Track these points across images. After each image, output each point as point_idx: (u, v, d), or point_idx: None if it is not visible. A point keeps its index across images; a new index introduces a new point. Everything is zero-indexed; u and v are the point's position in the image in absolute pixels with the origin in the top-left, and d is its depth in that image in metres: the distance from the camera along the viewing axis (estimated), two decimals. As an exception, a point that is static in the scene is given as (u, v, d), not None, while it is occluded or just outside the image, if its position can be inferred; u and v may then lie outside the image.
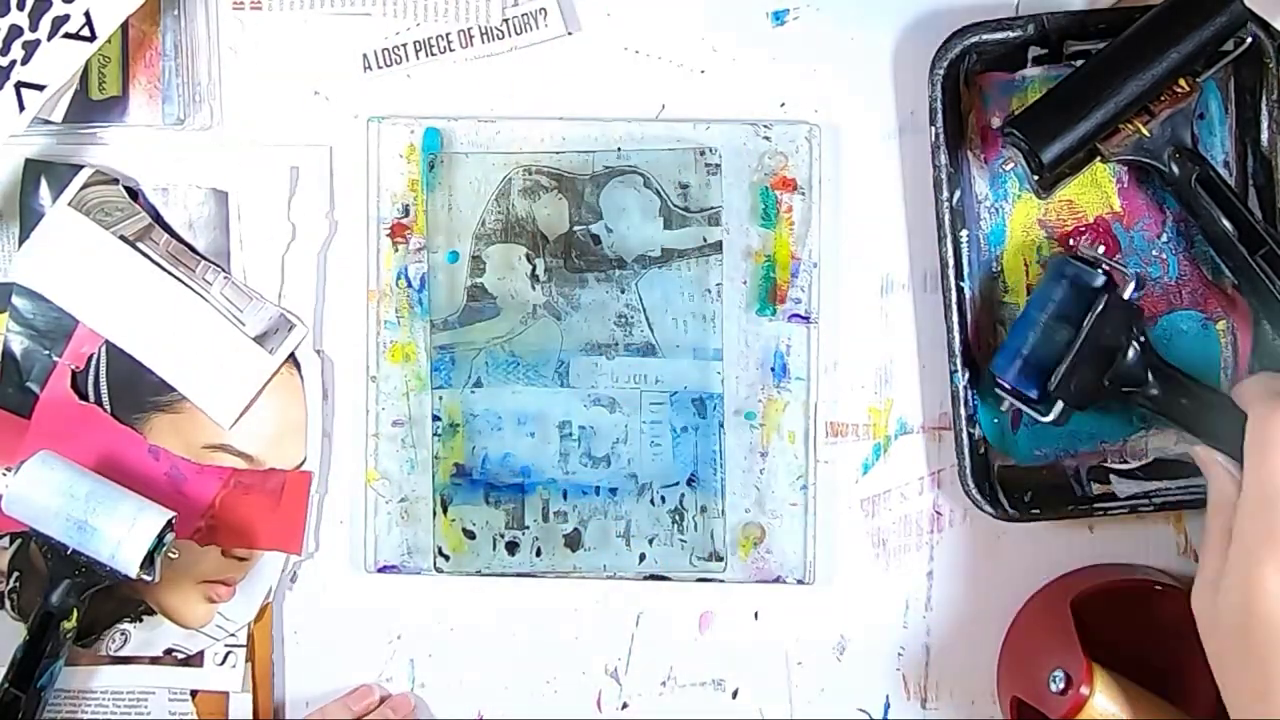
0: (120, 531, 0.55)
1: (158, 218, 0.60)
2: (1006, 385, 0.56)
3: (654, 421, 0.60)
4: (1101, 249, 0.58)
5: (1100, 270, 0.54)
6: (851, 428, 0.61)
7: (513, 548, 0.60)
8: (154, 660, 0.61)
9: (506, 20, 0.59)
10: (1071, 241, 0.59)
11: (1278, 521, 0.45)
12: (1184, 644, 0.60)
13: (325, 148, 0.60)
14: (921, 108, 0.58)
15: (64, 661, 0.59)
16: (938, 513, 0.61)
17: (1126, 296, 0.54)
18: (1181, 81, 0.54)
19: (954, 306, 0.58)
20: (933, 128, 0.57)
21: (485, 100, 0.60)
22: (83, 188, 0.59)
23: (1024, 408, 0.56)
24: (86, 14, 0.55)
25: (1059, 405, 0.54)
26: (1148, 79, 0.54)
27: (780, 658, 0.61)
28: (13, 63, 0.55)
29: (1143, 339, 0.54)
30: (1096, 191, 0.59)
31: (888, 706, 0.61)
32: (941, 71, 0.57)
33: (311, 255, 0.60)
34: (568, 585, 0.61)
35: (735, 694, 0.61)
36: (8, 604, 0.60)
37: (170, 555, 0.57)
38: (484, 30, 0.59)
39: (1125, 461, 0.60)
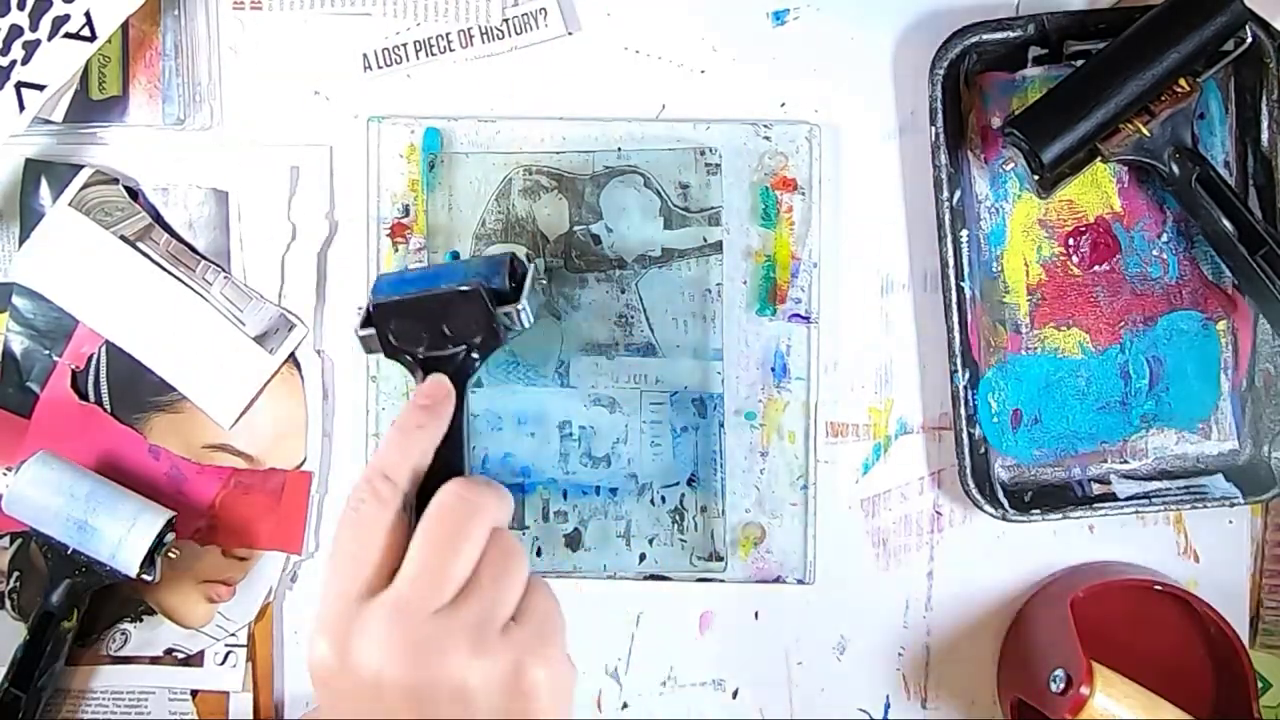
0: (120, 531, 0.55)
1: (158, 218, 0.60)
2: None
3: (654, 421, 0.60)
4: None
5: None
6: (851, 428, 0.61)
7: (513, 548, 0.60)
8: (154, 660, 0.61)
9: (506, 20, 0.59)
10: None
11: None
12: (1184, 644, 0.60)
13: (325, 148, 0.60)
14: (921, 108, 0.58)
15: (64, 661, 0.59)
16: (938, 513, 0.61)
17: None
18: (1181, 81, 0.54)
19: (954, 306, 0.58)
20: (933, 128, 0.57)
21: (485, 100, 0.60)
22: (83, 188, 0.59)
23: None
24: (86, 14, 0.55)
25: None
26: (1148, 79, 0.54)
27: (780, 658, 0.61)
28: (13, 63, 0.55)
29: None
30: (1096, 191, 0.59)
31: (888, 706, 0.62)
32: (941, 71, 0.57)
33: (311, 255, 0.60)
34: (568, 585, 0.61)
35: (735, 694, 0.61)
36: (8, 604, 0.60)
37: (170, 555, 0.57)
38: (484, 30, 0.59)
39: (1125, 461, 0.60)
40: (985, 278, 0.59)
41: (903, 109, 0.60)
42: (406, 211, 0.60)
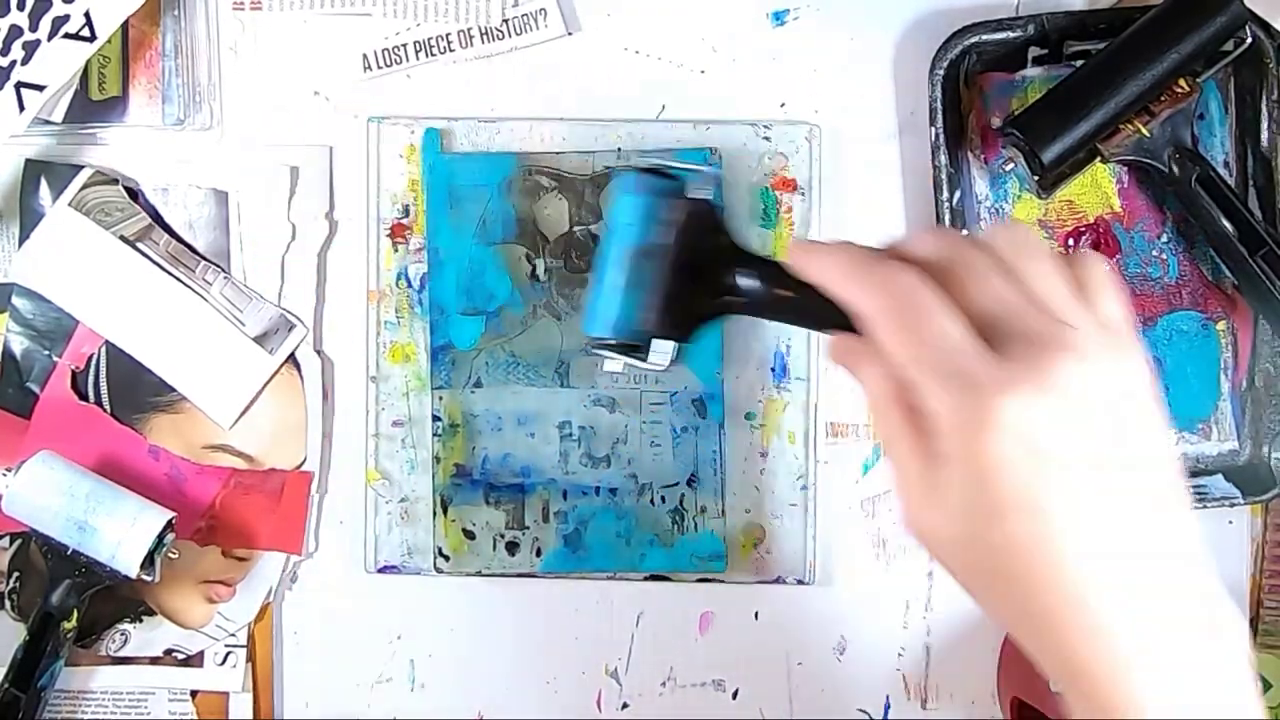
0: (120, 531, 0.55)
1: (158, 218, 0.60)
2: (610, 341, 0.44)
3: (654, 421, 0.60)
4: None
5: (667, 172, 0.44)
6: (851, 428, 0.61)
7: (513, 548, 0.60)
8: (154, 660, 0.61)
9: (506, 20, 0.59)
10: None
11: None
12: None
13: (325, 148, 0.60)
14: (921, 108, 0.58)
15: (64, 661, 0.59)
16: (938, 513, 0.61)
17: (695, 194, 0.44)
18: (1181, 81, 0.54)
19: (954, 306, 0.57)
20: (933, 128, 0.57)
21: (485, 100, 0.60)
22: (83, 188, 0.59)
23: (633, 362, 0.46)
24: (86, 14, 0.55)
25: (668, 347, 0.44)
26: (1148, 79, 0.54)
27: (780, 658, 0.61)
28: (13, 63, 0.55)
29: (727, 237, 0.44)
30: (1096, 191, 0.59)
31: (888, 707, 0.61)
32: (941, 71, 0.57)
33: (311, 255, 0.60)
34: (568, 585, 0.61)
35: (735, 694, 0.61)
36: (8, 604, 0.60)
37: (170, 555, 0.57)
38: (484, 30, 0.59)
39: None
40: (985, 278, 0.59)
41: (903, 109, 0.60)
42: (406, 211, 0.60)
